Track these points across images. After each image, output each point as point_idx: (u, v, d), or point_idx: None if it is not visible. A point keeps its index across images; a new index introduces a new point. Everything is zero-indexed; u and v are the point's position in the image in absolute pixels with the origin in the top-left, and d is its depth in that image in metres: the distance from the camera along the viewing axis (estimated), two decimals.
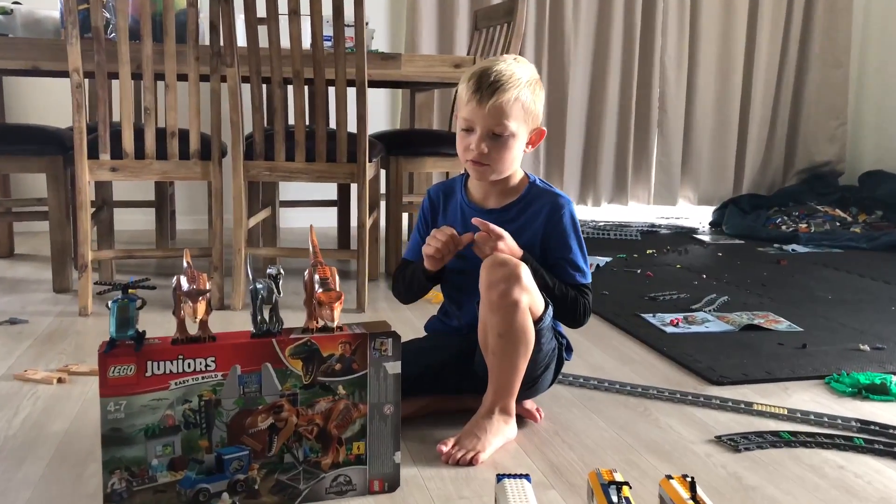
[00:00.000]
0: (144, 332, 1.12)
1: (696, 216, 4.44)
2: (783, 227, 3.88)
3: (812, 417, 1.56)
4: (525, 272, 1.35)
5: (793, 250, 3.47)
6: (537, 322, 1.39)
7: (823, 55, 4.53)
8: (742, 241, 3.72)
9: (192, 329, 1.13)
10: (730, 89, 4.43)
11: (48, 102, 3.35)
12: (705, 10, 4.30)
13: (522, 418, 1.51)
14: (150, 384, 1.09)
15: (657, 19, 4.22)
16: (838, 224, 3.92)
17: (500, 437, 1.39)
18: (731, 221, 4.00)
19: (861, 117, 4.67)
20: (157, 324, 1.73)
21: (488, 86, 1.37)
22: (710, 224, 4.21)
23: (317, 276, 1.15)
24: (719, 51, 4.38)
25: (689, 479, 1.08)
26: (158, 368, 1.09)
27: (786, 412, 1.58)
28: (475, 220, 1.40)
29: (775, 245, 3.58)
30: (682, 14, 4.27)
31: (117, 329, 1.09)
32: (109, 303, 1.10)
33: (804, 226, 3.88)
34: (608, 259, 3.14)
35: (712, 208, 4.39)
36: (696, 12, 4.30)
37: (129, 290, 1.11)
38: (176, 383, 1.10)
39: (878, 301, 2.55)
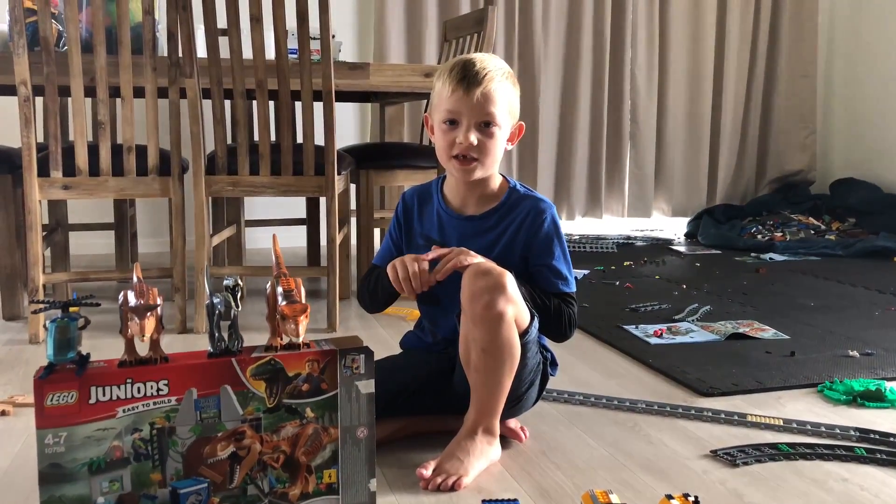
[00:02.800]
0: (88, 354, 1.01)
1: (671, 227, 4.40)
2: (758, 237, 3.86)
3: (809, 428, 1.48)
4: (510, 281, 1.26)
5: (770, 259, 3.43)
6: (523, 335, 1.30)
7: (791, 65, 4.56)
8: (719, 251, 3.67)
9: (144, 350, 1.02)
10: (700, 100, 4.42)
11: (2, 121, 3.20)
12: (673, 21, 4.30)
13: (506, 438, 1.41)
14: (94, 412, 0.98)
15: (626, 30, 4.20)
16: (812, 232, 3.90)
17: (483, 459, 1.29)
18: (706, 232, 3.96)
19: (830, 126, 4.69)
20: (107, 347, 1.61)
21: (474, 75, 1.31)
22: (685, 235, 4.18)
23: (280, 288, 1.05)
24: (689, 62, 4.38)
25: (691, 499, 1.00)
26: (104, 394, 0.98)
27: (782, 423, 1.51)
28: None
29: (752, 254, 3.55)
30: (651, 25, 4.26)
31: (56, 352, 0.97)
32: (47, 323, 0.99)
33: (779, 234, 3.86)
34: (586, 272, 3.07)
35: (686, 219, 4.36)
36: (665, 23, 4.29)
37: (71, 308, 1.00)
38: (124, 410, 0.99)
39: (860, 306, 2.50)
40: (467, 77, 1.31)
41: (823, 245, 3.61)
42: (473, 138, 1.32)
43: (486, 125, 1.33)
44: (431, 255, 1.31)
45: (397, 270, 1.30)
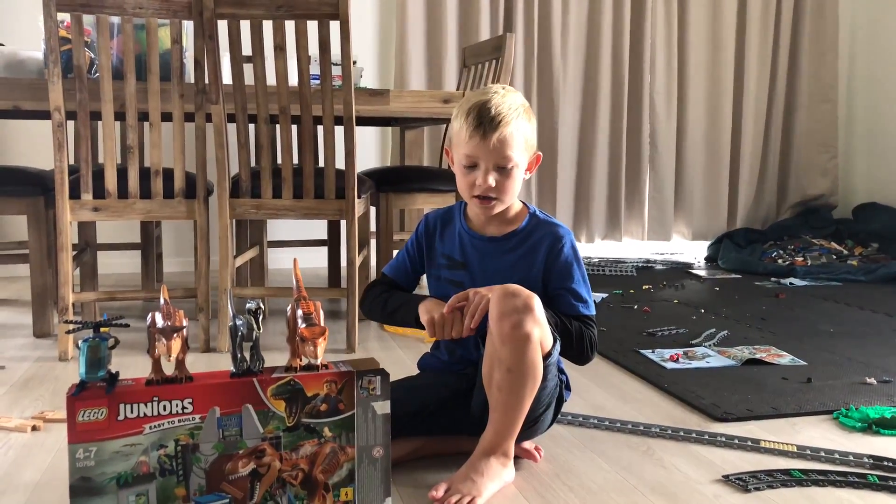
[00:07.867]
0: (117, 373, 1.05)
1: (691, 251, 4.40)
2: (779, 261, 3.85)
3: (823, 454, 1.49)
4: (538, 304, 1.29)
5: (791, 284, 3.42)
6: (545, 357, 1.33)
7: (811, 90, 4.56)
8: (738, 276, 3.67)
9: (170, 369, 1.07)
10: (720, 124, 4.43)
11: (37, 145, 3.30)
12: (692, 46, 4.33)
13: (520, 459, 1.43)
14: (122, 428, 1.02)
15: (645, 55, 4.24)
16: (834, 257, 3.88)
17: (497, 480, 1.32)
18: (726, 256, 3.96)
19: (852, 151, 4.67)
20: (134, 365, 1.66)
21: (490, 120, 1.34)
22: (705, 259, 4.17)
23: (300, 312, 1.09)
24: (708, 86, 4.40)
25: None
26: (131, 411, 1.02)
27: (795, 449, 1.51)
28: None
29: (772, 279, 3.54)
30: (670, 50, 4.29)
31: (88, 370, 1.02)
32: (80, 342, 1.03)
33: (800, 259, 3.85)
34: (604, 295, 3.08)
35: (707, 243, 4.36)
36: (684, 48, 4.33)
37: (101, 329, 1.05)
38: (150, 427, 1.03)
39: (880, 333, 2.49)
40: (483, 124, 1.34)
41: (845, 270, 3.59)
42: (492, 181, 1.36)
43: (503, 168, 1.37)
44: (456, 301, 1.34)
45: (434, 324, 1.34)
